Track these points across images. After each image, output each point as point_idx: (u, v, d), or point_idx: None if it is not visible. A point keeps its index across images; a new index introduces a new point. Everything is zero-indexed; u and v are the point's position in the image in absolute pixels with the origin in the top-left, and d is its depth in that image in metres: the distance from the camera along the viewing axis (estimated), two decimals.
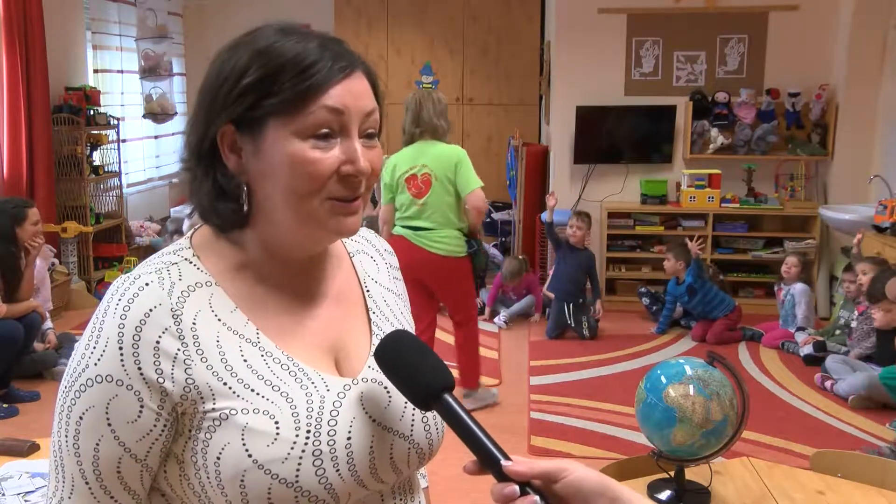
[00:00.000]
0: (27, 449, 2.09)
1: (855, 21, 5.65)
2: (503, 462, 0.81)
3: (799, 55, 5.92)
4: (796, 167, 5.96)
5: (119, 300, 0.87)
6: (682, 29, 6.00)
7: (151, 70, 6.98)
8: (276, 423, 0.87)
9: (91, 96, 6.11)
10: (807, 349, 4.86)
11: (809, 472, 1.87)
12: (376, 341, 0.98)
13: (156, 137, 7.47)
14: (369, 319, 1.04)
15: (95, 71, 6.58)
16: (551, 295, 5.57)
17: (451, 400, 0.86)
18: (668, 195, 6.10)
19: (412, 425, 0.96)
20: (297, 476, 0.86)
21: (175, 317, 0.87)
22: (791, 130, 6.00)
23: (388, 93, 7.42)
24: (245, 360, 0.89)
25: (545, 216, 5.53)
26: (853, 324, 4.71)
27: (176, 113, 7.24)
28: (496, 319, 5.68)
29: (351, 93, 0.90)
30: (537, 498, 0.79)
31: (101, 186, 6.41)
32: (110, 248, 6.37)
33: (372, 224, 4.55)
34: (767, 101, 5.95)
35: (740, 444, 1.94)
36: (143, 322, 0.85)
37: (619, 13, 6.04)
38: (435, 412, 0.88)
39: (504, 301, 5.84)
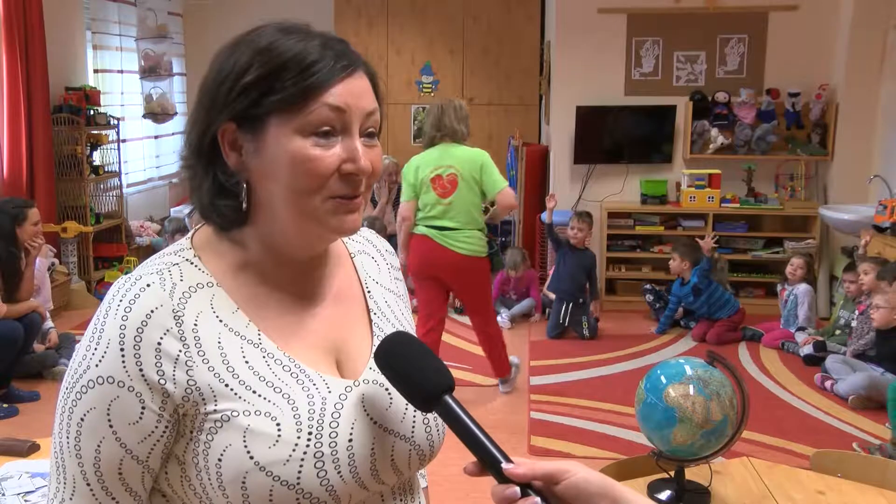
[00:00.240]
0: (27, 449, 2.09)
1: (855, 21, 5.65)
2: (504, 464, 0.81)
3: (799, 55, 5.92)
4: (796, 167, 5.96)
5: (120, 301, 0.87)
6: (682, 29, 6.01)
7: (151, 70, 6.98)
8: (278, 424, 0.87)
9: (91, 96, 6.11)
10: (807, 349, 4.86)
11: (809, 472, 1.87)
12: (377, 342, 0.98)
13: (156, 137, 7.47)
14: (370, 320, 1.04)
15: (95, 71, 6.58)
16: (551, 295, 5.57)
17: (451, 401, 0.86)
18: (668, 195, 6.10)
19: (413, 427, 0.96)
20: (298, 478, 0.86)
21: (176, 318, 0.87)
22: (791, 130, 6.00)
23: (388, 93, 7.42)
24: (246, 362, 0.89)
25: (545, 217, 5.54)
26: (853, 323, 4.71)
27: (176, 113, 7.24)
28: (499, 319, 5.68)
29: (352, 92, 0.90)
30: (538, 499, 0.79)
31: (101, 186, 6.41)
32: (110, 248, 6.37)
33: (372, 224, 4.55)
34: (767, 101, 5.95)
35: (740, 444, 1.94)
36: (144, 323, 0.85)
37: (619, 13, 6.04)
38: (436, 413, 0.88)
39: (504, 301, 5.84)
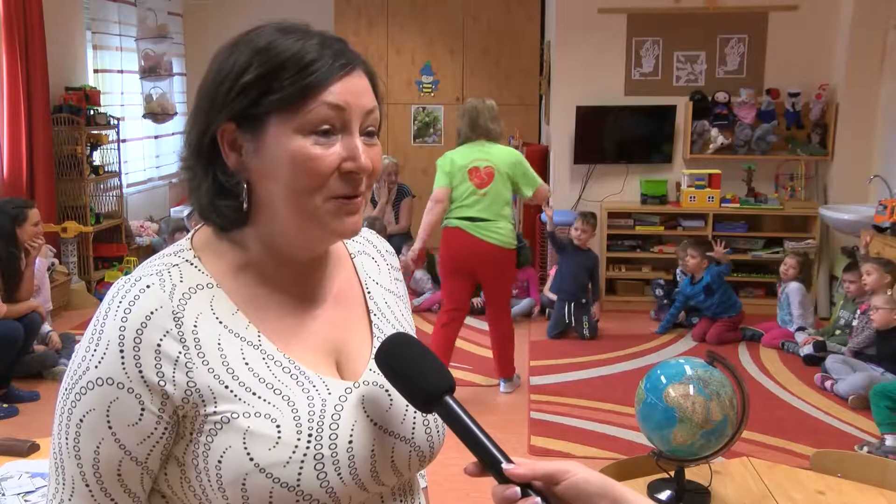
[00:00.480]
0: (27, 449, 2.09)
1: (855, 21, 5.65)
2: (504, 464, 0.81)
3: (799, 55, 5.92)
4: (796, 167, 5.96)
5: (120, 302, 0.86)
6: (682, 29, 6.00)
7: (151, 70, 6.98)
8: (278, 426, 0.87)
9: (91, 96, 6.10)
10: (807, 349, 4.86)
11: (809, 472, 1.87)
12: (377, 343, 0.98)
13: (156, 137, 7.47)
14: (370, 321, 1.04)
15: (95, 71, 6.57)
16: (552, 295, 5.57)
17: (451, 402, 0.85)
18: (668, 195, 6.10)
19: (413, 428, 0.96)
20: (298, 480, 0.86)
21: (176, 319, 0.87)
22: (791, 130, 6.00)
23: (388, 93, 7.42)
24: (246, 363, 0.89)
25: (546, 223, 5.53)
26: (854, 322, 4.70)
27: (176, 113, 7.24)
28: None
29: (351, 90, 0.90)
30: (539, 500, 0.79)
31: (101, 186, 6.41)
32: (110, 248, 6.37)
33: (372, 224, 4.56)
34: (767, 101, 5.95)
35: (740, 444, 1.94)
36: (144, 325, 0.85)
37: (619, 13, 6.04)
38: (436, 415, 0.88)
39: None
